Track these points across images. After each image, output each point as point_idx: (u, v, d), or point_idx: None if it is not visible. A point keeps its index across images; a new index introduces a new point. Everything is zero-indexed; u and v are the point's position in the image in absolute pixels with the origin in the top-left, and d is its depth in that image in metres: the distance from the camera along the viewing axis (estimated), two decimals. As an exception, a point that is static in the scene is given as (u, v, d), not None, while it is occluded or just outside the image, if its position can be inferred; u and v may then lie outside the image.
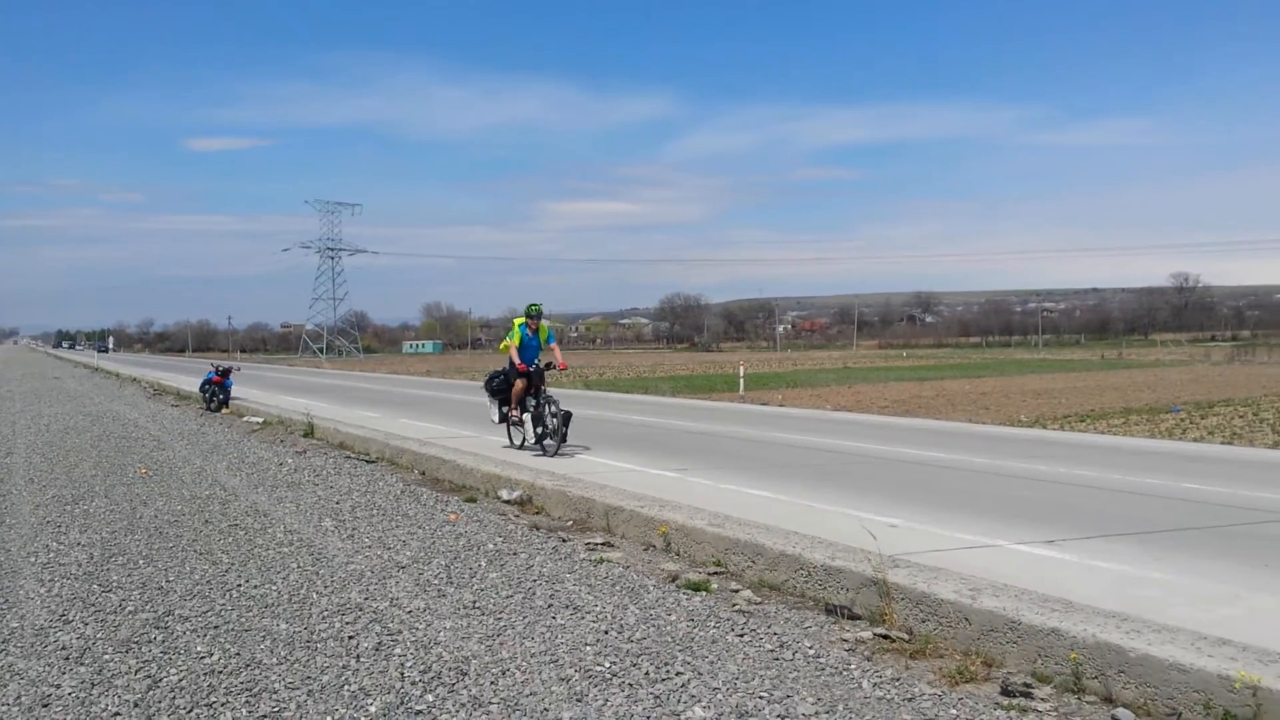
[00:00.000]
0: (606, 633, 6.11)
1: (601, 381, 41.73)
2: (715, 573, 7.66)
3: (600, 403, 26.49)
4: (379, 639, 6.02)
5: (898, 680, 5.29)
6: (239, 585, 7.38)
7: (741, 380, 34.50)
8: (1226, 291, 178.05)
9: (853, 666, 5.51)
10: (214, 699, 5.10)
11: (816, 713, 4.84)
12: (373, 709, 4.94)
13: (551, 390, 14.36)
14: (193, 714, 4.92)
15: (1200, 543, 7.85)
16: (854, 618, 6.44)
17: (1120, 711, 4.84)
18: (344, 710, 4.93)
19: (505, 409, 14.45)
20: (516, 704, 4.97)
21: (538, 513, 10.50)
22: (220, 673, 5.49)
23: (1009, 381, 42.40)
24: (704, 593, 7.08)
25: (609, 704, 4.96)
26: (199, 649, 5.90)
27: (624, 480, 11.11)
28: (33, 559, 8.38)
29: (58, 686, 5.31)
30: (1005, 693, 5.10)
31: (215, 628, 6.32)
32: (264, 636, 6.12)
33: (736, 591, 7.12)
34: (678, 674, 5.37)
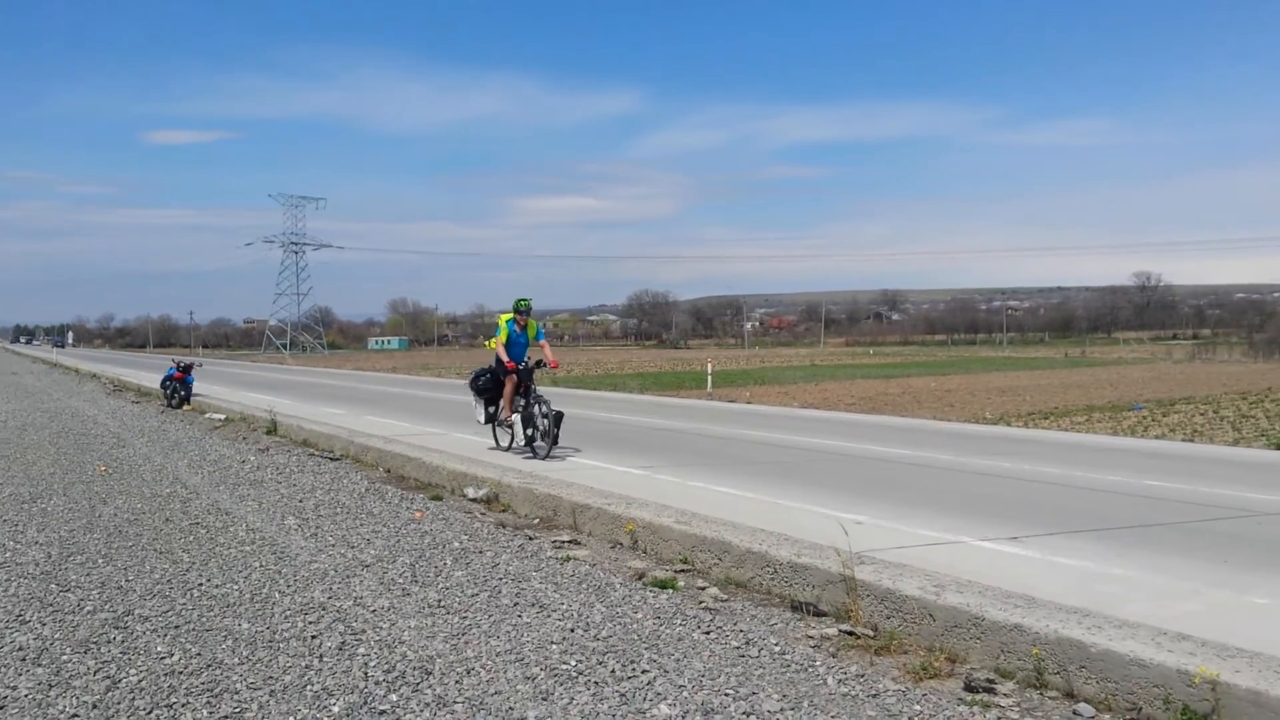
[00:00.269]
0: (573, 631, 6.09)
1: (569, 378, 41.63)
2: (682, 570, 7.66)
3: (568, 400, 26.40)
4: (342, 638, 5.97)
5: (862, 676, 5.31)
6: (200, 584, 7.29)
7: (709, 377, 34.58)
8: (1188, 290, 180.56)
9: (818, 663, 5.53)
10: (174, 700, 5.03)
11: (782, 709, 4.85)
12: (336, 709, 4.89)
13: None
14: (153, 715, 4.85)
15: (1161, 539, 7.95)
16: (820, 614, 6.46)
17: (1082, 706, 4.88)
18: (307, 710, 4.88)
19: (492, 409, 13.82)
20: (481, 703, 4.94)
21: (504, 510, 10.46)
22: (181, 673, 5.42)
23: (974, 379, 42.77)
24: (670, 590, 7.08)
25: (574, 702, 4.94)
26: (159, 649, 5.82)
27: (591, 477, 11.09)
28: (-12, 558, 8.23)
29: (14, 688, 5.21)
30: (969, 689, 5.13)
31: (176, 627, 6.24)
32: (225, 636, 6.05)
33: (703, 589, 7.12)
34: (644, 672, 5.36)
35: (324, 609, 6.61)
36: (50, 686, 5.23)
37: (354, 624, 6.25)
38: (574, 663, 5.51)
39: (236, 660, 5.61)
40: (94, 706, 4.96)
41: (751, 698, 4.99)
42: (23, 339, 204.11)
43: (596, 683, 5.20)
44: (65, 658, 5.68)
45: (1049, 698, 5.05)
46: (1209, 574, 6.70)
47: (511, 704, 4.93)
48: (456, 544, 8.60)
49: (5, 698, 5.09)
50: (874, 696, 5.04)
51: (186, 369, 25.99)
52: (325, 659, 5.61)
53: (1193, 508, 9.38)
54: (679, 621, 6.30)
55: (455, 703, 4.95)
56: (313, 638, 5.99)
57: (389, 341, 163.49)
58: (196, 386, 26.86)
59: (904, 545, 7.44)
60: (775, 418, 21.16)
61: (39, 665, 5.56)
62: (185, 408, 24.72)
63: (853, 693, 5.10)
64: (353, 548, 8.47)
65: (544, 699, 4.99)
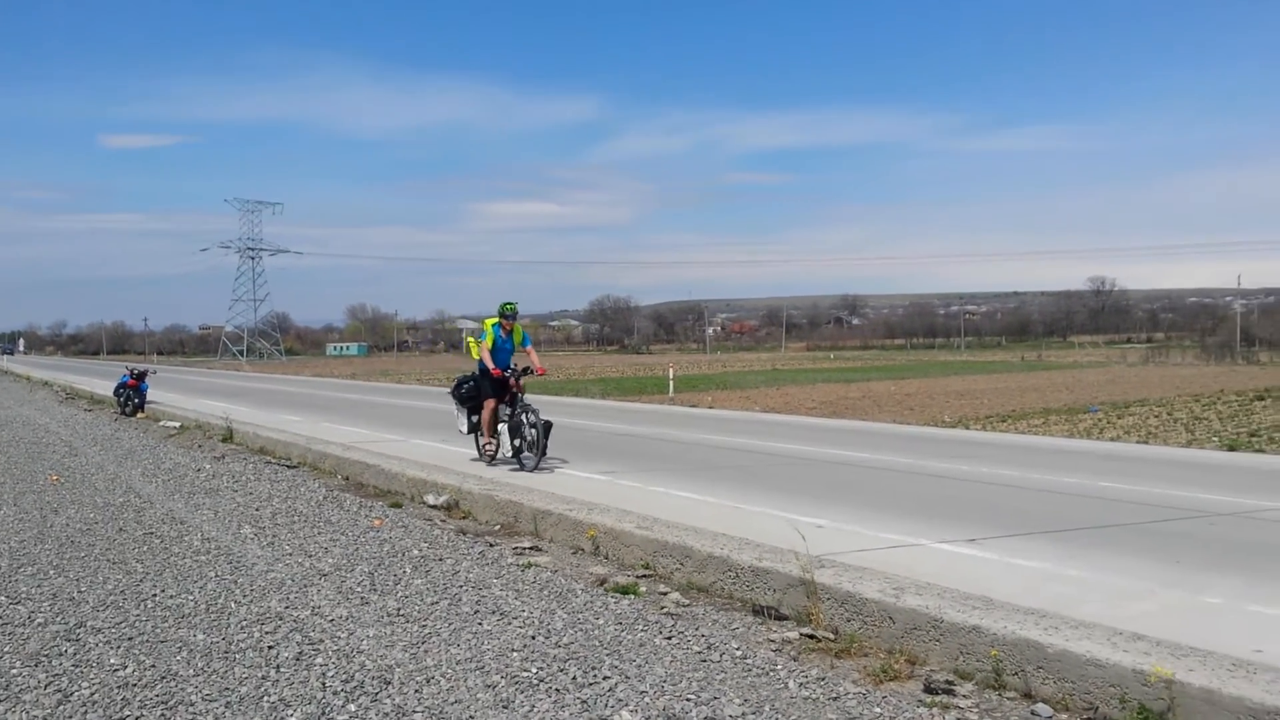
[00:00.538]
0: (534, 638, 6.05)
1: (531, 384, 41.52)
2: (644, 575, 7.65)
3: (529, 405, 26.32)
4: (300, 648, 5.89)
5: (823, 680, 5.33)
6: (154, 595, 7.17)
7: (671, 382, 34.62)
8: (1142, 295, 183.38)
9: (779, 667, 5.54)
10: (127, 713, 4.94)
11: (743, 714, 4.84)
12: (293, 720, 4.83)
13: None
14: (103, 729, 4.75)
15: (1116, 540, 8.05)
16: (781, 618, 6.47)
17: (1039, 707, 4.93)
18: (263, 722, 4.81)
19: (475, 418, 13.13)
20: (441, 712, 4.89)
21: (464, 517, 10.39)
22: (134, 685, 5.32)
23: (933, 383, 43.15)
24: (632, 596, 7.06)
25: (535, 710, 4.91)
26: (112, 661, 5.71)
27: (553, 483, 11.05)
28: (-65, 571, 8.05)
29: (-41, 704, 5.09)
30: (928, 690, 5.16)
31: (129, 639, 6.13)
32: (180, 647, 5.95)
33: (665, 594, 7.11)
34: (605, 678, 5.34)
35: (281, 619, 6.52)
36: (-2, 701, 5.12)
37: (311, 634, 6.18)
38: (535, 670, 5.47)
39: (191, 672, 5.52)
40: (43, 721, 4.86)
41: (713, 702, 4.98)
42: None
43: (558, 690, 5.18)
44: (15, 671, 5.55)
45: (1007, 698, 5.09)
46: (1163, 574, 6.80)
47: (472, 713, 4.89)
48: (416, 551, 8.53)
49: (-49, 713, 4.97)
50: (835, 699, 5.05)
51: (140, 376, 25.65)
52: (282, 669, 5.54)
53: (1147, 509, 9.52)
54: (641, 627, 6.28)
55: (415, 712, 4.90)
56: (269, 648, 5.91)
57: (348, 348, 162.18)
58: (151, 394, 26.53)
59: (864, 548, 7.48)
60: (737, 422, 21.21)
61: (-14, 680, 5.44)
62: (139, 415, 24.37)
63: (814, 696, 5.11)
64: (310, 556, 8.38)
65: (505, 707, 4.95)
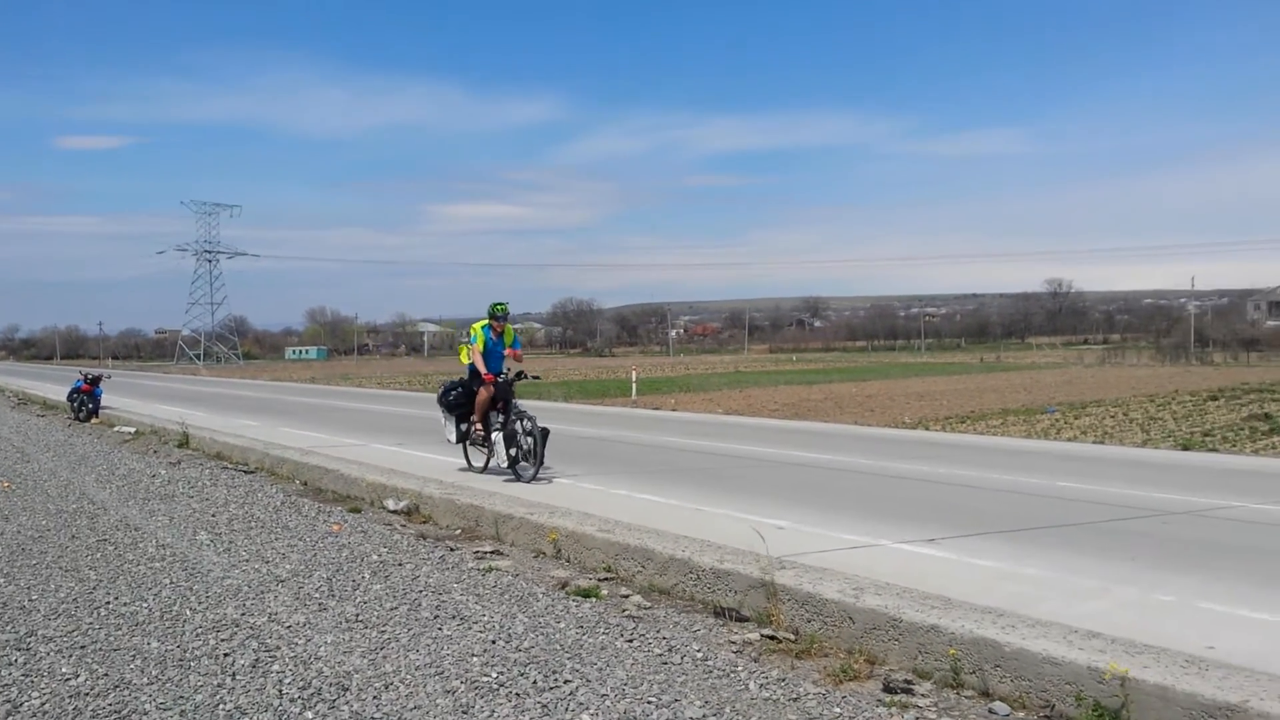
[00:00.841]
0: (494, 642, 6.02)
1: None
2: (605, 578, 7.63)
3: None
4: (256, 655, 5.82)
5: (783, 680, 5.34)
6: (107, 603, 7.05)
7: (634, 385, 34.63)
8: (1098, 296, 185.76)
9: (740, 668, 5.54)
10: (78, 723, 4.85)
11: (704, 715, 4.84)
12: (248, 728, 4.76)
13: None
14: (53, 740, 4.66)
15: (1072, 539, 8.14)
16: (742, 619, 6.48)
17: (997, 705, 4.97)
18: (218, 731, 4.74)
19: (464, 426, 12.46)
20: (400, 718, 4.85)
21: (425, 522, 10.32)
22: (86, 695, 5.22)
23: (893, 384, 43.49)
24: (594, 599, 7.04)
25: (495, 715, 4.88)
26: (64, 670, 5.61)
27: (513, 487, 11.00)
28: (-120, 580, 7.86)
29: (-96, 716, 4.98)
30: (887, 690, 5.19)
31: (81, 648, 6.02)
32: (134, 656, 5.86)
33: (626, 597, 7.10)
34: (566, 682, 5.32)
35: (237, 626, 6.43)
36: (-56, 713, 5.00)
37: (268, 640, 6.10)
38: (495, 674, 5.44)
39: (145, 680, 5.43)
40: (-9, 733, 4.76)
41: (674, 705, 4.98)
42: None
43: (518, 694, 5.15)
44: (-39, 683, 5.44)
45: (965, 697, 5.13)
46: (1118, 572, 6.88)
47: (431, 718, 4.84)
48: (375, 557, 8.46)
49: (-105, 726, 4.86)
50: (795, 700, 5.07)
51: (94, 381, 25.29)
52: (238, 677, 5.46)
53: (1103, 508, 9.64)
54: (602, 630, 6.26)
55: (373, 718, 4.85)
56: (225, 655, 5.83)
57: (307, 351, 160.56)
58: (105, 399, 26.15)
59: (825, 549, 7.51)
60: (699, 425, 21.25)
61: (-68, 691, 5.32)
62: (93, 421, 24.02)
63: (774, 697, 5.11)
64: (268, 562, 8.28)
65: (464, 712, 4.92)
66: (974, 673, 5.22)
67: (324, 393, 39.24)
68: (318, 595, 7.17)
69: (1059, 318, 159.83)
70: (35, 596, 7.26)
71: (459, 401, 12.46)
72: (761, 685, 5.27)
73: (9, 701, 5.13)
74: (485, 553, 8.59)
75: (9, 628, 6.45)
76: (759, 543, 7.05)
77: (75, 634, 6.31)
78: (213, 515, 10.61)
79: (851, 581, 6.38)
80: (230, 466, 14.95)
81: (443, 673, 5.48)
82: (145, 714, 4.95)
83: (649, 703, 5.01)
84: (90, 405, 24.62)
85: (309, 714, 4.92)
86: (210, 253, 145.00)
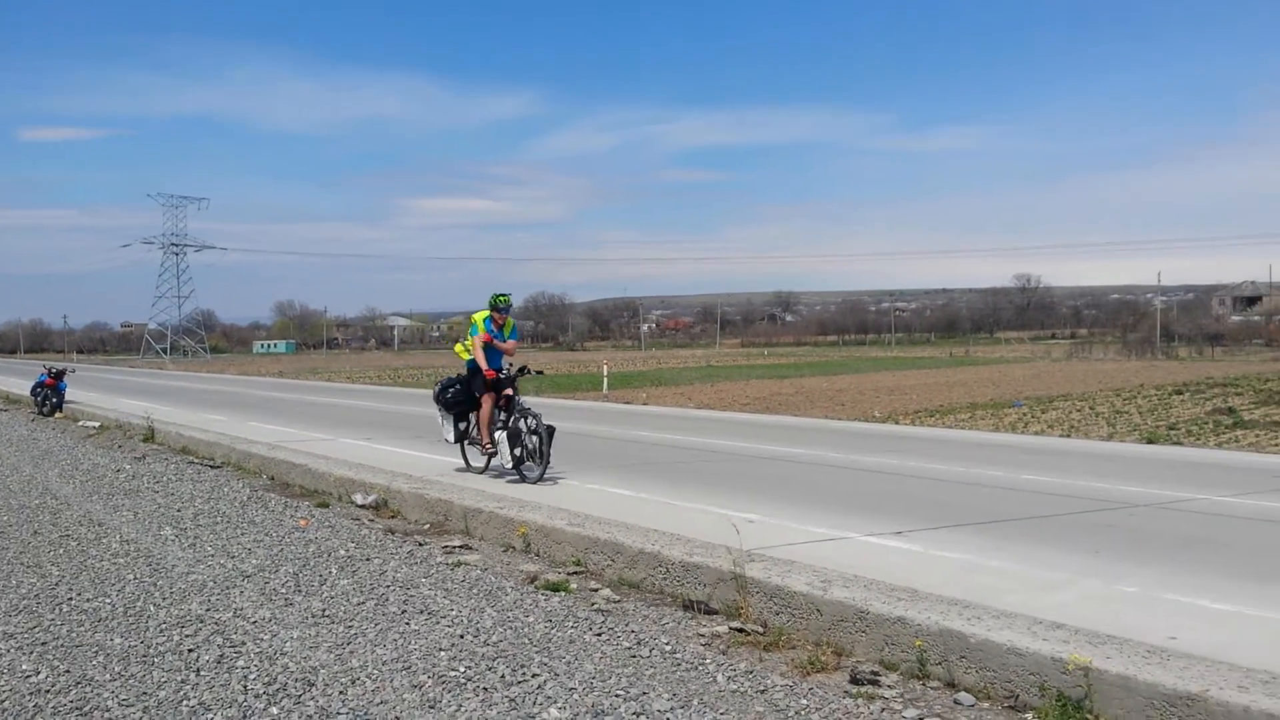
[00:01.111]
0: (462, 637, 5.99)
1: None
2: (575, 572, 7.62)
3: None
4: (221, 651, 5.76)
5: (751, 673, 5.35)
6: (70, 599, 6.97)
7: (605, 379, 34.61)
8: (1065, 292, 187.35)
9: (708, 661, 5.55)
10: (40, 719, 4.79)
11: (672, 708, 4.85)
12: (212, 725, 4.71)
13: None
14: (13, 738, 4.60)
15: (1037, 531, 8.22)
16: (711, 613, 6.49)
17: (962, 695, 5.00)
18: (181, 727, 4.69)
19: (463, 425, 11.97)
20: (366, 713, 4.82)
21: (393, 516, 10.26)
22: (48, 691, 5.16)
23: (864, 379, 43.72)
24: (563, 593, 7.03)
25: (463, 709, 4.86)
26: (25, 667, 5.54)
27: (483, 481, 10.96)
28: None
29: None
30: (854, 681, 5.21)
31: (43, 644, 5.94)
32: (97, 652, 5.79)
33: (596, 591, 7.09)
34: (534, 676, 5.31)
35: (202, 621, 6.37)
36: (-100, 712, 4.93)
37: (233, 636, 6.05)
38: (463, 669, 5.42)
39: (108, 676, 5.37)
40: (-51, 731, 4.69)
41: (642, 698, 4.97)
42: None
43: (485, 688, 5.13)
44: (-82, 681, 5.35)
45: (931, 688, 5.16)
46: (1082, 564, 6.95)
47: (398, 713, 4.82)
48: (343, 551, 8.40)
49: None
50: (762, 692, 5.08)
51: (58, 375, 25.00)
52: (203, 673, 5.41)
53: (1068, 500, 9.73)
54: (570, 624, 6.26)
55: (339, 714, 4.82)
56: (189, 651, 5.77)
57: (276, 345, 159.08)
58: (69, 393, 25.86)
59: (793, 542, 7.54)
60: (671, 418, 21.27)
61: (-111, 690, 5.23)
62: (57, 415, 23.74)
63: (742, 689, 5.13)
64: (233, 558, 8.20)
65: (431, 707, 4.89)
66: (940, 664, 5.25)
67: (292, 387, 38.95)
68: (284, 590, 7.12)
69: (1027, 313, 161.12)
70: (-5, 593, 7.15)
71: (457, 400, 11.91)
72: (729, 677, 5.28)
73: (-33, 699, 5.06)
74: (454, 547, 8.55)
75: (-32, 625, 6.36)
76: (729, 536, 7.06)
77: (37, 630, 6.23)
78: (178, 510, 10.51)
79: (820, 574, 6.40)
80: (196, 461, 14.81)
81: (410, 667, 5.45)
82: (108, 711, 4.89)
83: (617, 696, 5.00)
84: (54, 400, 24.33)
85: (274, 709, 4.88)
86: (178, 246, 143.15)
